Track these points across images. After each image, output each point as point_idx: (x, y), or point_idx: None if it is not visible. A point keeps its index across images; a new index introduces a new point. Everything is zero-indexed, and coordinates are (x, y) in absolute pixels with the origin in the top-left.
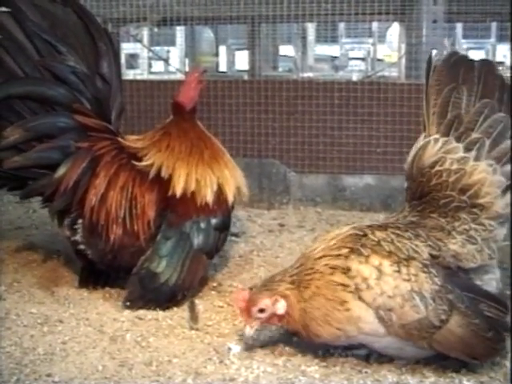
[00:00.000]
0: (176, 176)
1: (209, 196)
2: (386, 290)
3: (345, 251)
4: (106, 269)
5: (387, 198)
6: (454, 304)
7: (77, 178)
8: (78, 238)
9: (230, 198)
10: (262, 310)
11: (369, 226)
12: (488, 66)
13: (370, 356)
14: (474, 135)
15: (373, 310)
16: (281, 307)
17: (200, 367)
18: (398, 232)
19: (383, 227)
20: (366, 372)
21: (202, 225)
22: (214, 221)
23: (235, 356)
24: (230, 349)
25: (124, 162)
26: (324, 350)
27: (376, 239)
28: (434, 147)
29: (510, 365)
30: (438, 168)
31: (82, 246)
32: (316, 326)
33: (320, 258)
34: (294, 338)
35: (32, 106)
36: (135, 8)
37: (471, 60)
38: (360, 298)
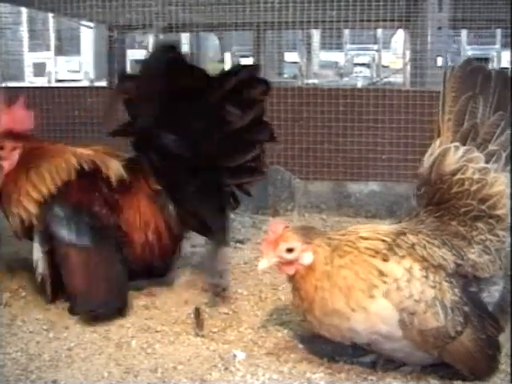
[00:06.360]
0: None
1: None
2: (413, 293)
3: (384, 245)
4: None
5: (392, 204)
6: (469, 317)
7: None
8: None
9: None
10: (289, 250)
11: (402, 228)
12: (504, 77)
13: (376, 363)
14: (491, 147)
15: (397, 312)
16: (307, 258)
17: (205, 374)
18: (428, 239)
19: (414, 232)
20: (371, 379)
21: None
22: None
23: (240, 363)
24: (235, 356)
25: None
26: (329, 357)
27: (410, 242)
28: (456, 155)
29: (511, 371)
30: (459, 176)
31: None
32: (329, 298)
33: (365, 238)
34: (300, 345)
35: None
36: (141, 15)
37: (489, 69)
38: (388, 298)
